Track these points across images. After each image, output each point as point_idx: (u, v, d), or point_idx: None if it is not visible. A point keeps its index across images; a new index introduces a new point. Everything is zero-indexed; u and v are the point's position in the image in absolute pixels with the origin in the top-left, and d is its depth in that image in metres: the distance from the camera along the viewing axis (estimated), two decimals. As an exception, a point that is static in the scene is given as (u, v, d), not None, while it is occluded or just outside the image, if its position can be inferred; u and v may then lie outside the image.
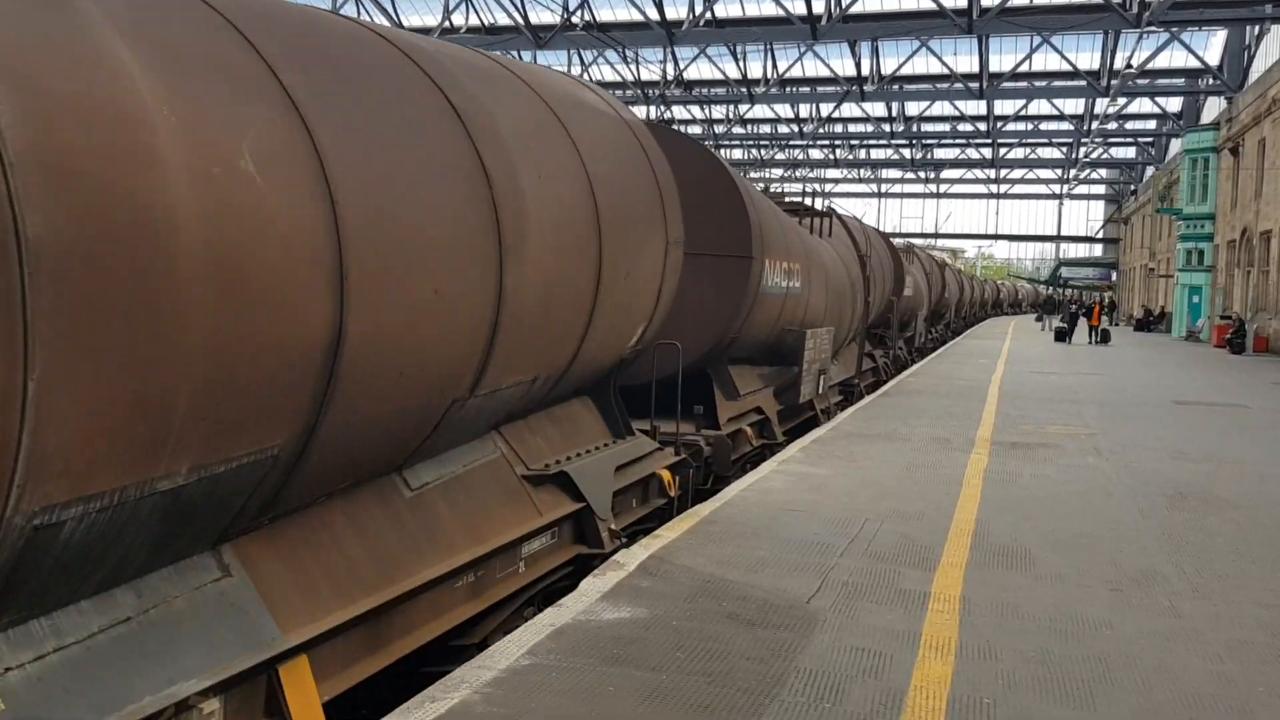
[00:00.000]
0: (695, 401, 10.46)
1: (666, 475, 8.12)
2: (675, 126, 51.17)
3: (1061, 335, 36.72)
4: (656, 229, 7.56)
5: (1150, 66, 40.11)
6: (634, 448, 7.73)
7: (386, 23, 38.57)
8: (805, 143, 61.33)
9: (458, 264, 4.74)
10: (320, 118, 3.92)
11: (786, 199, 16.92)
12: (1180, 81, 46.94)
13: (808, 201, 17.38)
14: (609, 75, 47.35)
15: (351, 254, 3.91)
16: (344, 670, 4.35)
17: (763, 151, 66.95)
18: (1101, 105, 47.41)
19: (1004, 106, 52.30)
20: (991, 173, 75.04)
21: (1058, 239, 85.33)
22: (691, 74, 46.15)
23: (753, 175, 64.66)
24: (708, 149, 11.23)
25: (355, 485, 4.78)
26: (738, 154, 66.63)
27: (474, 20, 38.94)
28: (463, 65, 5.60)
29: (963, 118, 54.51)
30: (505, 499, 5.91)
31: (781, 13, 34.94)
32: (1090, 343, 35.58)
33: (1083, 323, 39.45)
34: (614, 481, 7.10)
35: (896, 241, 27.82)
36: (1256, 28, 37.72)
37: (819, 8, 34.12)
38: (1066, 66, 39.92)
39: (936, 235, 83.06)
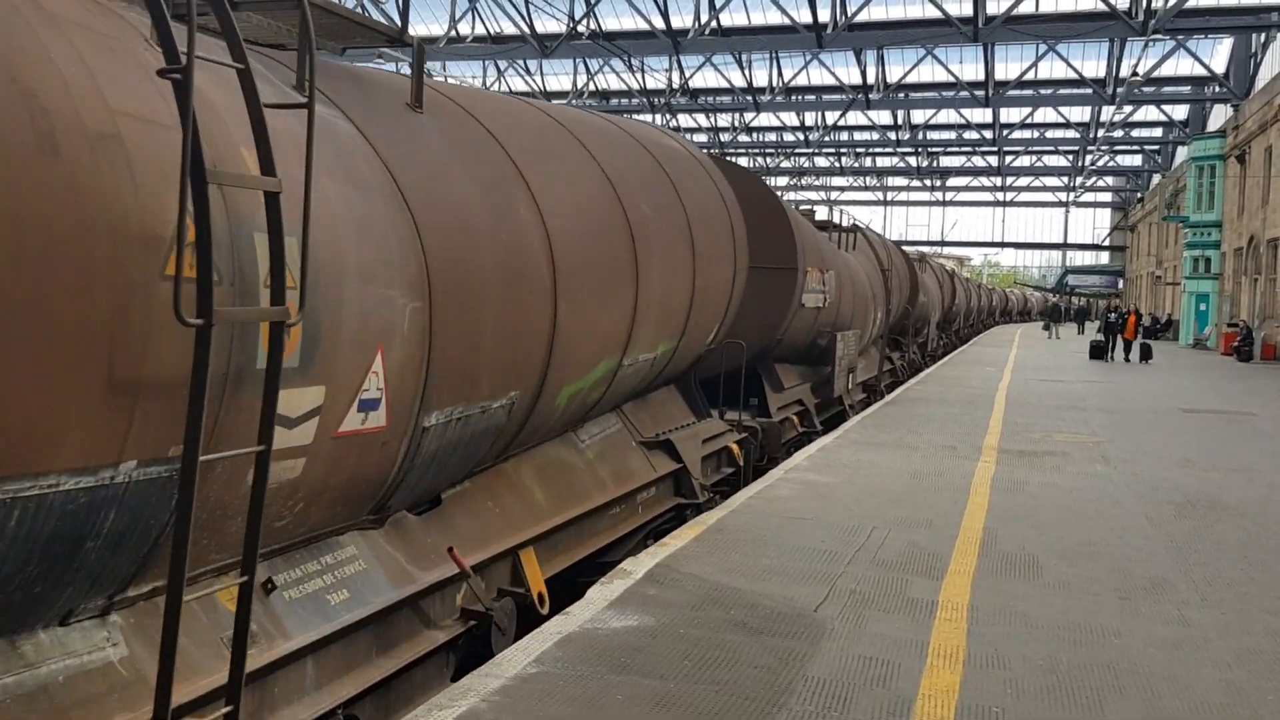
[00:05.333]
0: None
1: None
2: (681, 135, 51.29)
3: (1099, 351, 30.94)
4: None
5: (1156, 74, 40.12)
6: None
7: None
8: (811, 151, 61.41)
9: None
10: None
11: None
12: (1186, 89, 46.93)
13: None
14: (614, 84, 47.46)
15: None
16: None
17: (768, 160, 67.02)
18: (1107, 113, 47.39)
19: (1010, 114, 52.37)
20: (997, 180, 75.05)
21: (1064, 246, 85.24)
22: (697, 82, 46.21)
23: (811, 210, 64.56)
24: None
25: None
26: (743, 162, 66.70)
27: (480, 29, 39.08)
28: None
29: (968, 125, 54.61)
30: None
31: (787, 21, 34.97)
32: (1125, 359, 30.53)
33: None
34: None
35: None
36: (1263, 35, 37.70)
37: (824, 16, 34.15)
38: (1072, 74, 39.95)
39: (942, 243, 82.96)
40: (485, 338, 5.16)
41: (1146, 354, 30.58)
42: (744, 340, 10.55)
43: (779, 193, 16.18)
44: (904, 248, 28.75)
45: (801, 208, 17.56)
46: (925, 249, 58.93)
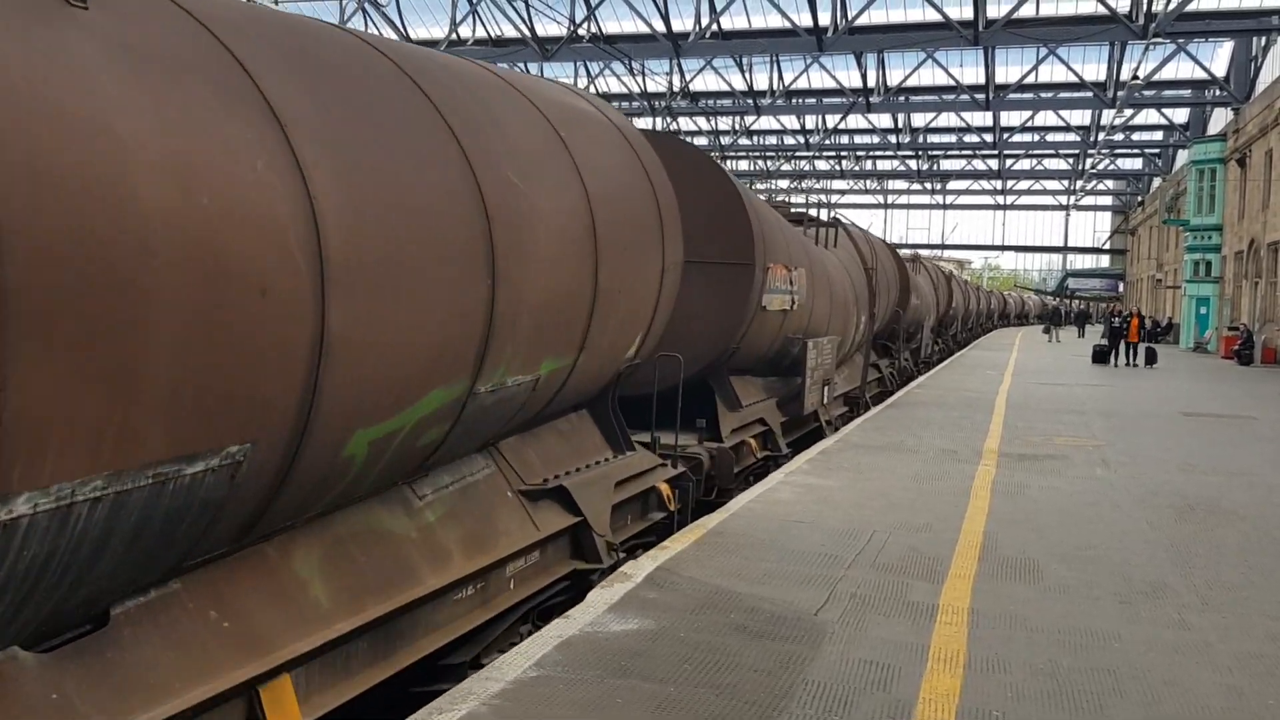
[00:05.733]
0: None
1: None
2: (681, 138, 51.36)
3: (1102, 356, 30.24)
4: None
5: (1157, 78, 40.11)
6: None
7: (393, 35, 38.79)
8: (811, 154, 61.43)
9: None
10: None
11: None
12: (1187, 93, 46.96)
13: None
14: (615, 87, 47.50)
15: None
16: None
17: (769, 163, 67.09)
18: (1108, 116, 47.41)
19: (1010, 118, 52.34)
20: (998, 184, 75.07)
21: (1064, 250, 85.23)
22: (697, 85, 46.24)
23: (759, 187, 64.82)
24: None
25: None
26: (744, 165, 66.79)
27: (481, 32, 39.12)
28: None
29: (969, 129, 54.60)
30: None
31: (787, 24, 35.01)
32: (1129, 363, 29.71)
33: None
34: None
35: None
36: (1263, 39, 37.73)
37: (825, 19, 34.19)
38: (1073, 78, 39.95)
39: (943, 246, 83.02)
40: (155, 365, 3.17)
41: (1151, 358, 29.72)
42: (687, 351, 8.91)
43: (745, 181, 15.31)
44: (898, 249, 27.96)
45: (761, 193, 16.43)
46: (925, 252, 58.98)
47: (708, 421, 10.30)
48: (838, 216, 17.87)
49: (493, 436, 6.05)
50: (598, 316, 6.39)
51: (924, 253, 49.62)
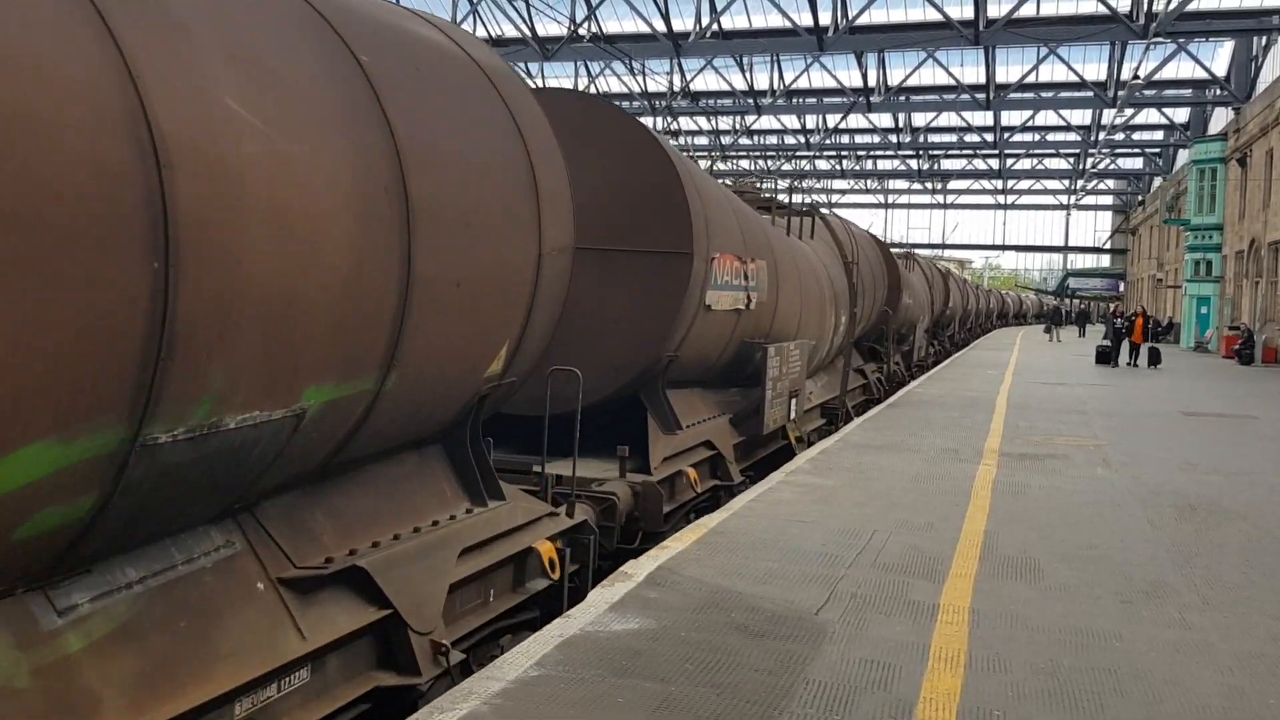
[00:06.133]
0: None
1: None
2: (681, 138, 51.41)
3: (1105, 356, 29.59)
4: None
5: (1157, 77, 40.12)
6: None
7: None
8: (812, 154, 61.44)
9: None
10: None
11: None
12: (1187, 92, 46.97)
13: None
14: (615, 86, 47.51)
15: None
16: None
17: (769, 162, 67.08)
18: (1108, 116, 47.40)
19: (1011, 117, 52.37)
20: (998, 183, 75.08)
21: (1065, 249, 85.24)
22: (698, 85, 46.24)
23: (758, 186, 64.69)
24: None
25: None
26: (745, 164, 66.79)
27: (481, 32, 39.13)
28: None
29: (969, 129, 54.63)
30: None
31: (788, 24, 35.01)
32: (1132, 363, 29.32)
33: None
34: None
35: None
36: (1264, 38, 37.72)
37: (825, 19, 34.19)
38: (1073, 77, 39.96)
39: (943, 246, 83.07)
40: None
41: (1155, 358, 29.20)
42: (603, 362, 7.45)
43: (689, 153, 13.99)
44: (897, 247, 27.39)
45: (758, 191, 14.55)
46: (926, 251, 58.98)
47: (632, 447, 8.06)
48: (815, 204, 16.05)
49: (232, 501, 4.03)
50: (417, 318, 4.56)
51: (925, 252, 49.59)
